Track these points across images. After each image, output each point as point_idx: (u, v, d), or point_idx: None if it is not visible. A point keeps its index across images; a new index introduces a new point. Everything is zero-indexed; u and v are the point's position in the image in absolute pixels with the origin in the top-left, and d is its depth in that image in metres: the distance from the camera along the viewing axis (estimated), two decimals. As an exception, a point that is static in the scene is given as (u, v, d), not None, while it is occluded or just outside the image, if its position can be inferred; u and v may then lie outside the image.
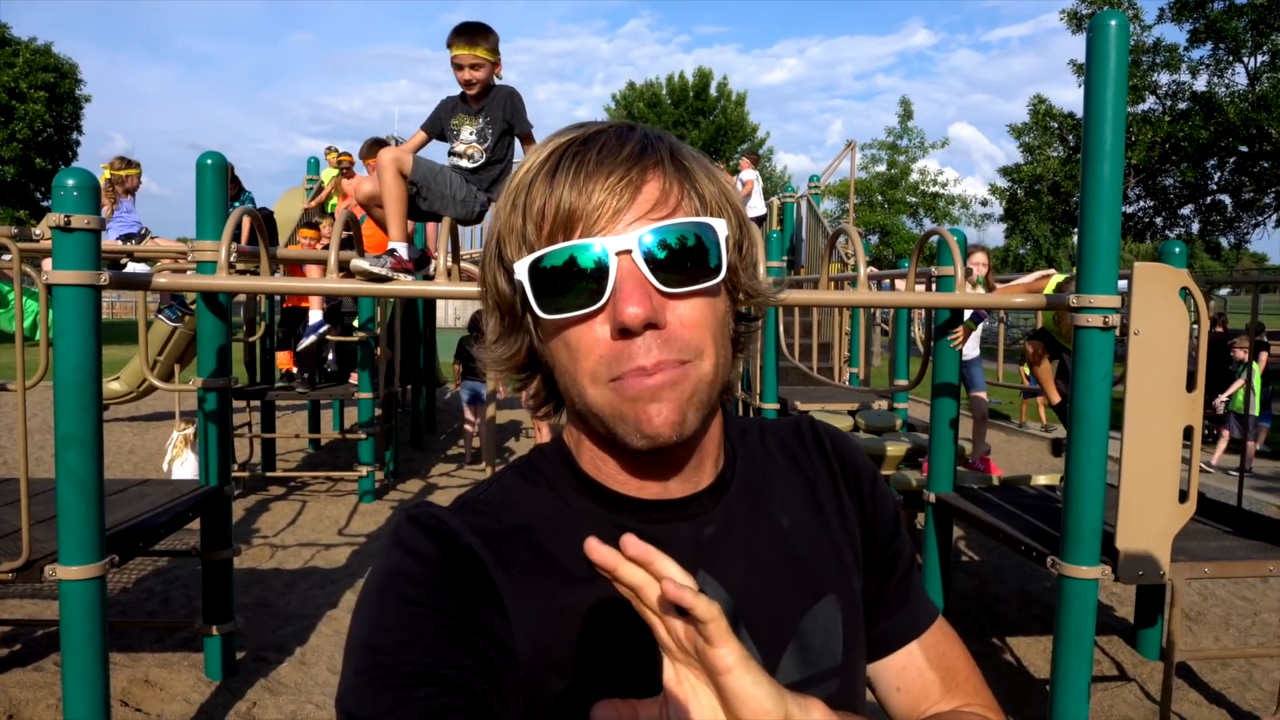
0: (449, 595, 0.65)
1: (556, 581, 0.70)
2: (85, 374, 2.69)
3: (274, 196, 11.41)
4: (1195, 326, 3.11)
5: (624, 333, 0.64)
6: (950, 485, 4.10)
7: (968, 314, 4.94)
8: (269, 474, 7.52)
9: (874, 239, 28.95)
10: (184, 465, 5.77)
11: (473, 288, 3.15)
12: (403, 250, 3.29)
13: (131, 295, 21.58)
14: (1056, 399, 5.44)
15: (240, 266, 4.55)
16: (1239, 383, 8.30)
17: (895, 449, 5.35)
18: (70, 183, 2.65)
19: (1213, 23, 18.53)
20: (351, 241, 5.11)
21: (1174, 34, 28.66)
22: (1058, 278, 5.12)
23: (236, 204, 6.26)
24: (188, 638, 4.04)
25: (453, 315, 23.55)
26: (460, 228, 3.79)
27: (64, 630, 2.73)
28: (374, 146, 7.18)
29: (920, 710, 0.83)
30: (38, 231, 4.19)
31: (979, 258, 5.56)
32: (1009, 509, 3.82)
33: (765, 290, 0.75)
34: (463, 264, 3.88)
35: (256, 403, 7.65)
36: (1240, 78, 19.34)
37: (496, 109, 3.46)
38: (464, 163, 3.49)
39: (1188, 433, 2.94)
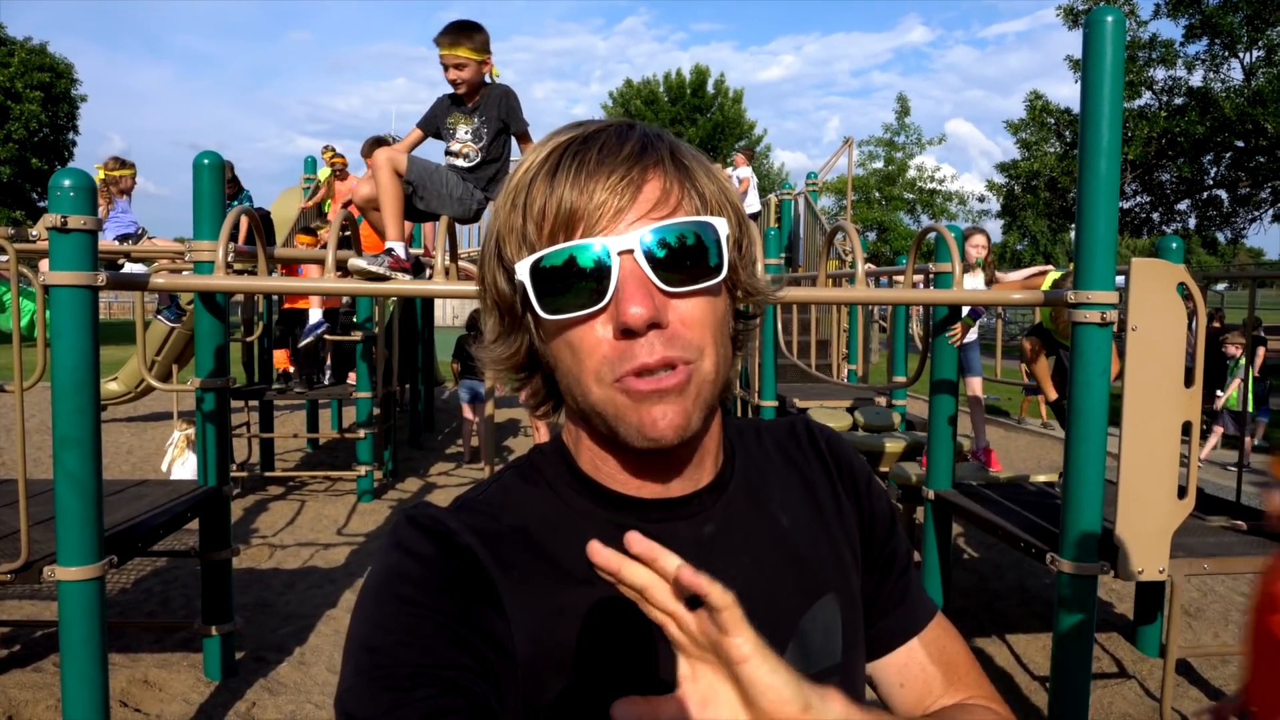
0: (448, 596, 0.65)
1: (555, 581, 0.70)
2: (83, 375, 2.68)
3: (272, 196, 11.42)
4: (1193, 322, 3.12)
5: (627, 333, 0.64)
6: (949, 482, 4.10)
7: (965, 310, 4.95)
8: (267, 474, 7.52)
9: (871, 236, 28.97)
10: (185, 465, 5.77)
11: (471, 287, 3.15)
12: (400, 249, 3.28)
13: (129, 295, 21.57)
14: (1054, 395, 5.44)
15: (238, 266, 4.55)
16: (1236, 382, 8.31)
17: (893, 446, 5.36)
18: (67, 183, 2.65)
19: (1208, 18, 18.55)
20: (349, 241, 5.10)
21: (1170, 29, 28.80)
22: (1054, 274, 5.11)
23: (235, 204, 6.26)
24: (187, 638, 4.04)
25: (451, 314, 23.56)
26: (458, 227, 3.78)
27: (63, 631, 2.73)
28: (375, 145, 7.15)
29: (924, 705, 0.83)
30: (34, 232, 4.18)
31: (978, 239, 5.51)
32: (1008, 505, 3.82)
33: (765, 289, 0.75)
34: (461, 263, 3.87)
35: (254, 402, 7.65)
36: (1236, 73, 19.40)
37: (491, 108, 3.45)
38: (460, 162, 3.48)
39: (1186, 428, 2.94)
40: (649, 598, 0.54)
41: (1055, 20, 20.83)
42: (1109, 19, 2.83)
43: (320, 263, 5.15)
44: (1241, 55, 19.12)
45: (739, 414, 7.16)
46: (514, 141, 3.59)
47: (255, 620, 4.37)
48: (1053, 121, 21.64)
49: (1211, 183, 21.19)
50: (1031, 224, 24.28)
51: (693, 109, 34.58)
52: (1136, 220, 22.31)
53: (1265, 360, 10.06)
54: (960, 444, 4.83)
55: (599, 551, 0.53)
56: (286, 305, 7.42)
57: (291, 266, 6.82)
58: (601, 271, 0.64)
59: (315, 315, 6.96)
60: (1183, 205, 22.29)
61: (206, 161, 3.73)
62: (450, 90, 3.48)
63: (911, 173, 29.61)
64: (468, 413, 8.51)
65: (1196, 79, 19.69)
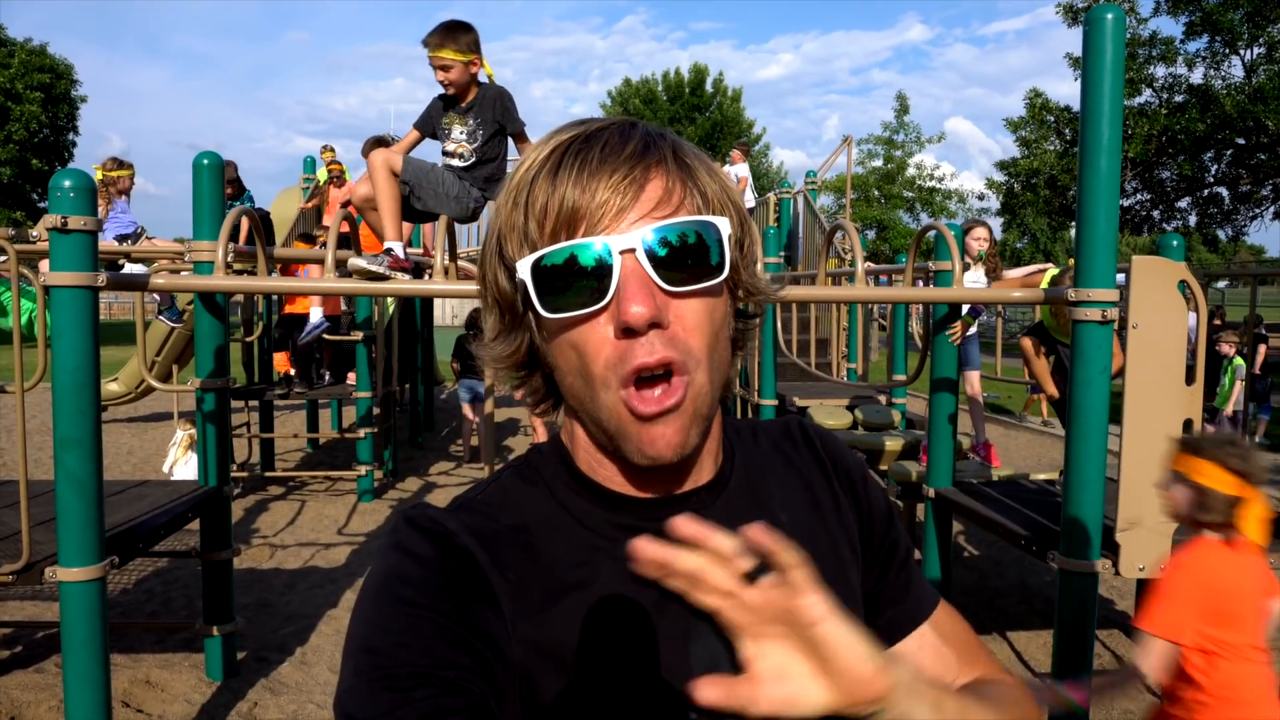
0: (446, 596, 0.65)
1: (553, 582, 0.69)
2: (83, 376, 2.68)
3: (270, 196, 11.40)
4: (1194, 319, 3.12)
5: (627, 332, 0.64)
6: (949, 480, 4.10)
7: (965, 308, 4.94)
8: (268, 474, 7.52)
9: (871, 234, 28.95)
10: (188, 466, 5.77)
11: (470, 286, 3.15)
12: (399, 249, 3.28)
13: (129, 296, 21.58)
14: (1054, 393, 5.44)
15: (237, 266, 4.55)
16: (1239, 386, 8.29)
17: (893, 444, 5.36)
18: (67, 184, 2.64)
19: (1209, 15, 18.54)
20: (348, 241, 5.10)
21: (1170, 27, 28.80)
22: (1052, 271, 5.11)
23: (236, 205, 6.25)
24: (188, 638, 4.04)
25: (450, 314, 23.57)
26: (457, 226, 3.78)
27: (65, 632, 2.73)
28: (375, 145, 7.13)
29: (946, 684, 0.84)
30: (35, 233, 4.18)
31: (979, 232, 5.49)
32: (1008, 503, 3.82)
33: (765, 288, 0.75)
34: (460, 262, 3.87)
35: (255, 403, 7.65)
36: (1237, 70, 19.38)
37: (486, 109, 3.45)
38: (455, 162, 3.49)
39: (1187, 425, 2.94)
40: (703, 582, 0.54)
41: (1055, 18, 20.87)
42: (1109, 16, 2.83)
43: (320, 263, 5.16)
44: (1242, 52, 19.12)
45: (739, 413, 7.16)
46: (511, 142, 3.59)
47: (256, 620, 4.37)
48: (1052, 119, 21.62)
49: (1212, 180, 21.19)
50: (1031, 222, 24.28)
51: (691, 108, 34.56)
52: (1137, 218, 22.30)
53: (1266, 358, 10.05)
54: (960, 442, 4.84)
55: (645, 548, 0.53)
56: (286, 310, 7.41)
57: (291, 267, 6.82)
58: (603, 270, 0.64)
59: (316, 314, 6.96)
60: (1183, 203, 22.29)
61: (206, 162, 3.73)
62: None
63: (911, 171, 29.59)
64: (468, 412, 8.51)
65: (1197, 76, 19.70)
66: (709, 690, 0.53)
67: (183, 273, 4.95)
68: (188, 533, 4.35)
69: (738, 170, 11.18)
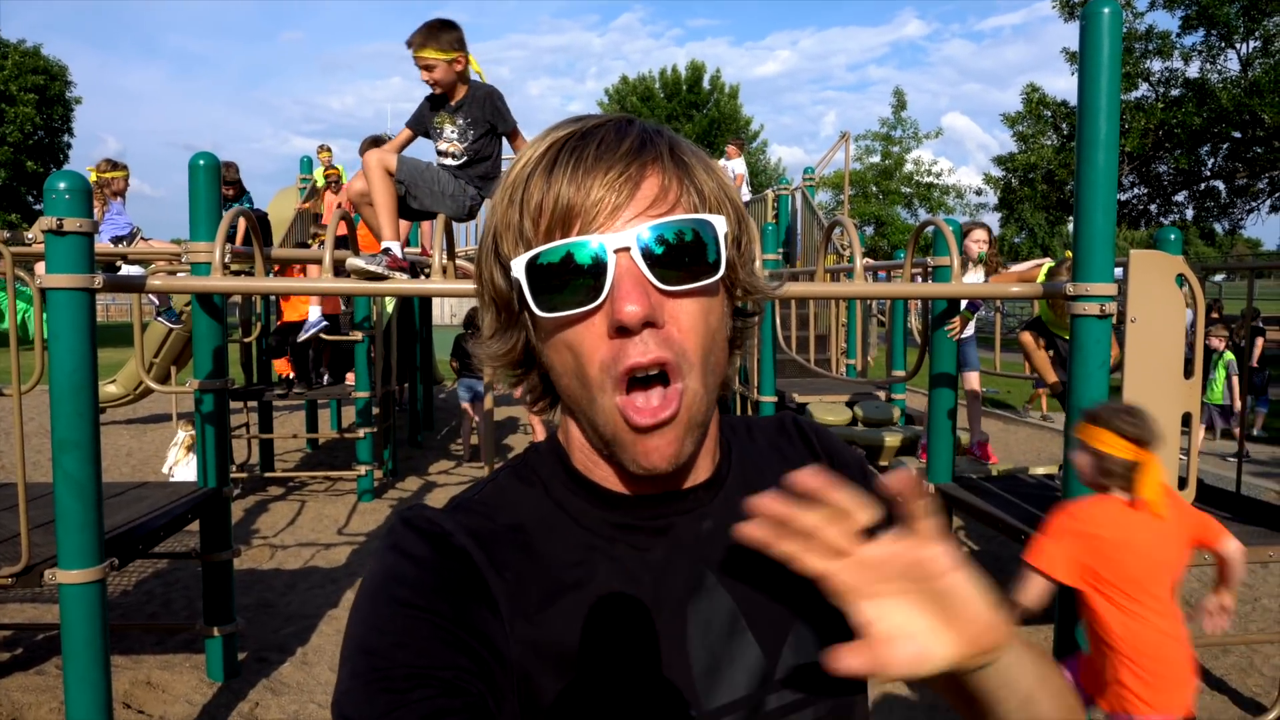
0: (443, 597, 0.65)
1: (551, 582, 0.69)
2: (81, 378, 2.68)
3: (268, 196, 11.38)
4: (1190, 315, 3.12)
5: (621, 331, 0.64)
6: (949, 476, 4.10)
7: (964, 303, 4.94)
8: (267, 474, 7.52)
9: (869, 230, 28.93)
10: (189, 467, 5.77)
11: (469, 285, 3.14)
12: (396, 249, 3.28)
13: (127, 297, 21.55)
14: (1054, 380, 5.44)
15: (235, 267, 4.55)
16: (1234, 379, 8.30)
17: (892, 440, 5.36)
18: (62, 186, 2.64)
19: (1204, 9, 18.53)
20: (345, 242, 5.09)
21: (1166, 21, 28.81)
22: (1049, 264, 5.11)
23: (235, 205, 6.24)
24: (189, 639, 4.04)
25: (449, 313, 23.55)
26: (455, 225, 3.78)
27: (65, 634, 2.73)
28: (373, 144, 7.10)
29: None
30: (30, 235, 4.17)
31: (978, 234, 5.49)
32: (1008, 498, 3.82)
33: (763, 286, 0.75)
34: (458, 261, 3.87)
35: (254, 403, 7.64)
36: (1233, 63, 19.38)
37: (476, 109, 3.45)
38: (449, 161, 3.50)
39: (1186, 419, 2.94)
40: (818, 539, 0.53)
41: (1051, 13, 20.84)
42: (1105, 11, 2.82)
43: (318, 263, 5.15)
44: (1238, 46, 19.12)
45: (739, 410, 7.16)
46: (506, 140, 3.59)
47: (257, 621, 4.37)
48: (1049, 114, 21.62)
49: (1209, 174, 21.20)
50: (1029, 217, 24.27)
51: (689, 105, 34.52)
52: (1134, 212, 22.31)
53: (1264, 351, 10.06)
54: (959, 438, 4.84)
55: (766, 504, 0.53)
56: (283, 321, 7.40)
57: (290, 268, 6.81)
58: (598, 269, 0.64)
59: (315, 313, 6.95)
60: (1180, 196, 22.30)
61: (202, 163, 3.72)
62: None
63: (908, 167, 29.56)
64: (468, 410, 8.51)
65: (1193, 70, 19.71)
66: (851, 658, 0.52)
67: (180, 274, 4.94)
68: (188, 534, 4.35)
69: (733, 166, 11.14)
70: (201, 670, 3.77)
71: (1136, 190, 22.09)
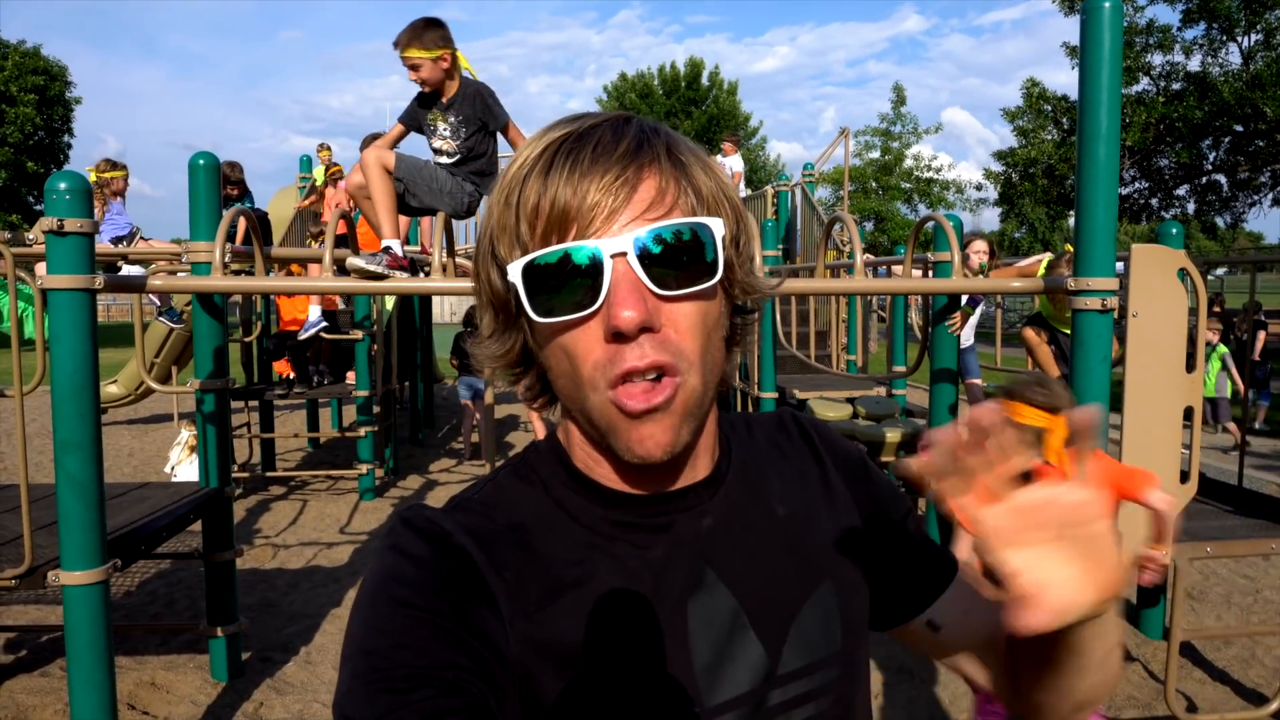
0: (443, 597, 0.65)
1: (551, 580, 0.69)
2: (83, 378, 2.68)
3: (268, 196, 11.37)
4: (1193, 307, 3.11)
5: (617, 336, 0.63)
6: (951, 471, 4.10)
7: (965, 299, 4.94)
8: (269, 474, 7.52)
9: (869, 226, 28.92)
10: (192, 467, 5.78)
11: (468, 284, 3.14)
12: (396, 247, 3.28)
13: (127, 298, 21.58)
14: (1056, 375, 5.44)
15: (235, 267, 4.55)
16: (1230, 373, 8.29)
17: (893, 435, 5.36)
18: (63, 186, 2.64)
19: (1206, 2, 18.50)
20: (346, 241, 5.09)
21: (1167, 14, 28.72)
22: (1048, 257, 5.11)
23: (237, 205, 6.24)
24: (192, 640, 4.05)
25: (449, 311, 23.56)
26: (455, 222, 3.78)
27: (68, 635, 2.73)
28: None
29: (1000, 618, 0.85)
30: (31, 236, 4.18)
31: (978, 245, 5.51)
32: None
33: (762, 284, 0.74)
34: (458, 259, 3.87)
35: (255, 403, 7.64)
36: (1234, 57, 19.35)
37: (466, 106, 3.46)
38: (443, 159, 3.51)
39: (1188, 413, 2.94)
40: (977, 480, 0.53)
41: (1051, 7, 20.80)
42: (1106, 4, 2.82)
43: (318, 262, 5.15)
44: (1239, 39, 19.09)
45: (739, 407, 7.16)
46: (501, 137, 3.59)
47: (260, 620, 4.37)
48: (1050, 108, 21.61)
49: (1210, 167, 21.17)
50: (1029, 212, 24.23)
51: (688, 102, 34.51)
52: (1135, 206, 22.29)
53: (1265, 344, 10.05)
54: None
55: (943, 435, 0.53)
56: (281, 328, 7.40)
57: (289, 269, 6.81)
58: (594, 274, 0.63)
59: (314, 314, 6.96)
60: (1182, 190, 22.28)
61: (202, 162, 3.72)
62: None
63: (908, 162, 29.53)
64: (468, 408, 8.51)
65: (1194, 64, 19.68)
66: (1034, 616, 0.52)
67: (180, 274, 4.94)
68: (190, 534, 4.35)
69: (730, 163, 11.11)
70: (205, 670, 3.77)
71: (1138, 184, 22.07)
